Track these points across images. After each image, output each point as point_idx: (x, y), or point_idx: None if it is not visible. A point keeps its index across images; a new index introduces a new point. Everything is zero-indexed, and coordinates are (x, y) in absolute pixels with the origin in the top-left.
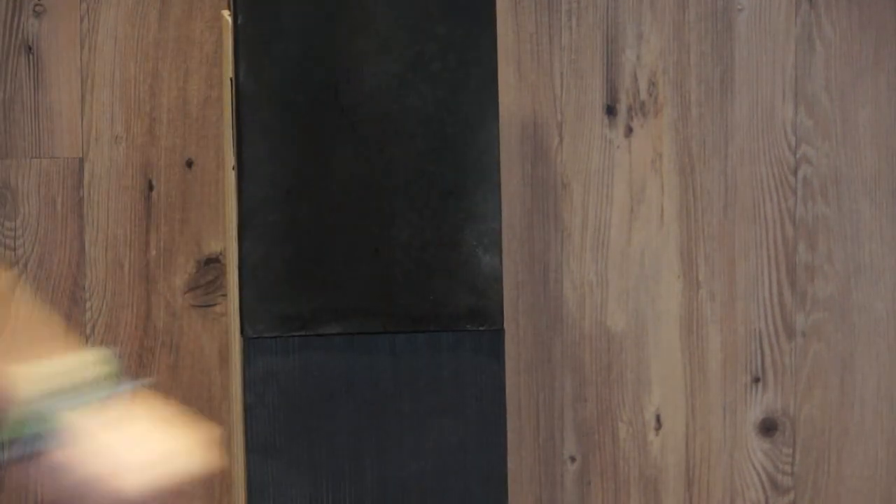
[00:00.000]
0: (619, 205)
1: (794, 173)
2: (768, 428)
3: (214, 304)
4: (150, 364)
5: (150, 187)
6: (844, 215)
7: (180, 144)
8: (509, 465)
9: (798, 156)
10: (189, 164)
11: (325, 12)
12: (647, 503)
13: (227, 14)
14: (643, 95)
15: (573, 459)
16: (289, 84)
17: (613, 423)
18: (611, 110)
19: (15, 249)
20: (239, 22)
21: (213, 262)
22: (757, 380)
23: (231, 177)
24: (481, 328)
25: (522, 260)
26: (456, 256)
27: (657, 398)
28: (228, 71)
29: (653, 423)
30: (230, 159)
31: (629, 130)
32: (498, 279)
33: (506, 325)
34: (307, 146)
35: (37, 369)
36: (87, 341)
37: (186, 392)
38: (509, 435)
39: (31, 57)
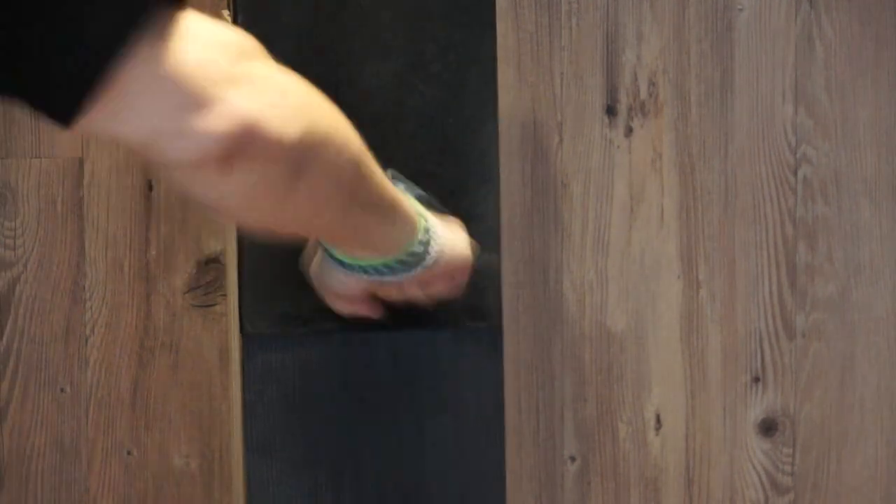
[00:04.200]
0: (619, 205)
1: (794, 173)
2: (768, 428)
3: (214, 304)
4: (150, 364)
5: (150, 187)
6: (844, 215)
7: None
8: (509, 465)
9: (798, 156)
10: None
11: (325, 12)
12: (647, 503)
13: (226, 14)
14: (643, 95)
15: (573, 459)
16: None
17: (613, 423)
18: (611, 110)
19: (15, 249)
20: (239, 22)
21: (213, 262)
22: (757, 380)
23: None
24: (480, 326)
25: (522, 260)
26: None
27: (657, 398)
28: None
29: (653, 422)
30: None
31: (629, 130)
32: (496, 277)
33: (505, 325)
34: None
35: None
36: (87, 342)
37: (186, 392)
38: (509, 435)
39: None
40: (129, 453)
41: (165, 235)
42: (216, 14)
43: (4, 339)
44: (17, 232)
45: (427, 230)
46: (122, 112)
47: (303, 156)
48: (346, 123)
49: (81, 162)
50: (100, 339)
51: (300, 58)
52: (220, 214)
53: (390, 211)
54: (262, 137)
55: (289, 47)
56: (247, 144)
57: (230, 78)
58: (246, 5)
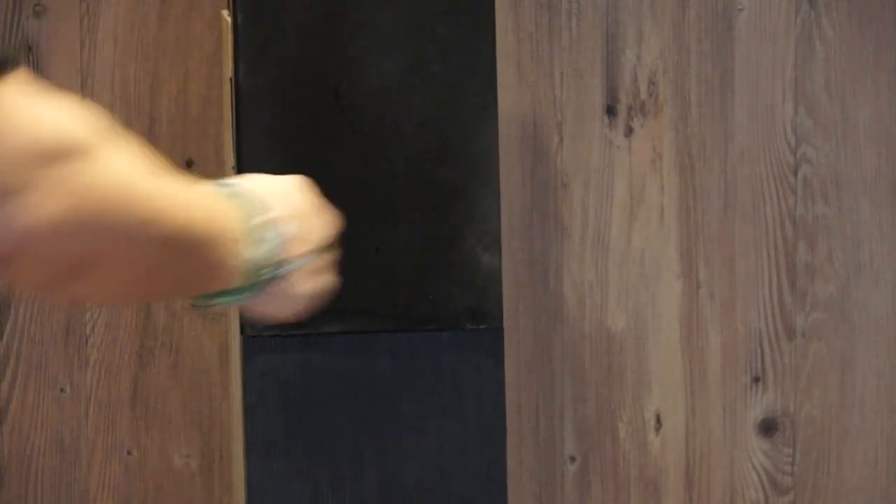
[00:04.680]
0: (619, 205)
1: (794, 173)
2: (768, 428)
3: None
4: (150, 364)
5: None
6: (844, 215)
7: (180, 144)
8: (509, 465)
9: (798, 156)
10: (189, 164)
11: (325, 12)
12: (646, 503)
13: (226, 14)
14: (643, 95)
15: (573, 459)
16: (289, 84)
17: (613, 423)
18: (611, 110)
19: None
20: (239, 22)
21: None
22: (757, 380)
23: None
24: (481, 327)
25: (522, 260)
26: (456, 256)
27: (657, 398)
28: (228, 71)
29: (653, 423)
30: (230, 159)
31: (629, 130)
32: (497, 278)
33: (506, 326)
34: (307, 146)
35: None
36: (87, 342)
37: (186, 392)
38: (509, 435)
39: (30, 57)
40: (129, 453)
41: None
42: (216, 14)
43: (4, 339)
44: None
45: (265, 234)
46: None
47: (80, 264)
48: (154, 216)
49: None
50: (100, 339)
51: (300, 57)
52: None
53: (212, 248)
54: (31, 252)
55: (289, 47)
56: (13, 256)
57: (18, 185)
58: (246, 5)
